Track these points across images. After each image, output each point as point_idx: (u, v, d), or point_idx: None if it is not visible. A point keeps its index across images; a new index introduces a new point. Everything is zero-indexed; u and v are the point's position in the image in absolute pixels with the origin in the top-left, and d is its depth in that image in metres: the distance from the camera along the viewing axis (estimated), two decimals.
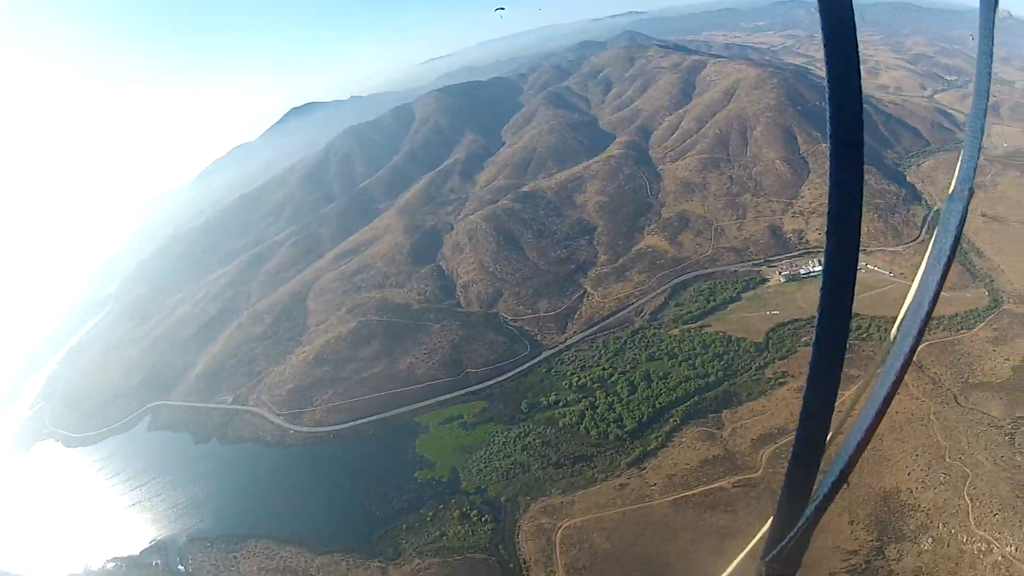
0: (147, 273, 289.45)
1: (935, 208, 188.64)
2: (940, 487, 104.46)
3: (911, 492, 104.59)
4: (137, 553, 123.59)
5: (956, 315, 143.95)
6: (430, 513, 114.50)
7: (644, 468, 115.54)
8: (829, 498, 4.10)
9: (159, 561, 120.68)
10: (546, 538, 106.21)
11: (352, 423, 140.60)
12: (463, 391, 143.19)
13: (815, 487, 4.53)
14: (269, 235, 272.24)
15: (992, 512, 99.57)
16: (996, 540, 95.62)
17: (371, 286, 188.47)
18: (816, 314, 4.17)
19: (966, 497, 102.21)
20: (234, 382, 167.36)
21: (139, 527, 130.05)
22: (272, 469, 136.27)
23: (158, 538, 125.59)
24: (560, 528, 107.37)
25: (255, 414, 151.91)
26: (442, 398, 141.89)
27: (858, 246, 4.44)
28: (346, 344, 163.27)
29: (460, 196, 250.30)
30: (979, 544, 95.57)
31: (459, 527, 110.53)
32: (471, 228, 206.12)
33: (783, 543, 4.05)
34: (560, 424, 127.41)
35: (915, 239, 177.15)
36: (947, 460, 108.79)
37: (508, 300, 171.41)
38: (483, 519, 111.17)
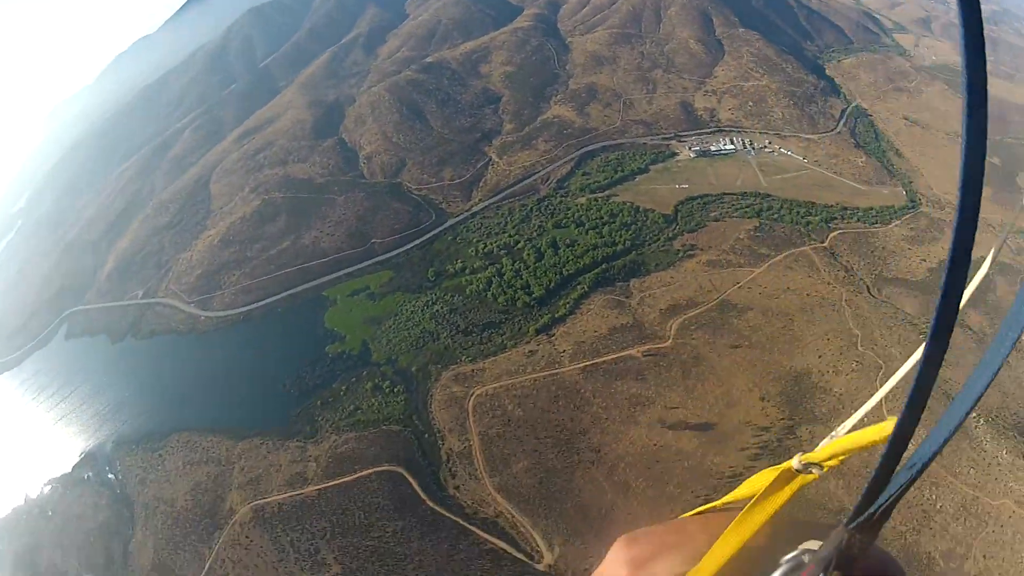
0: (54, 182, 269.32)
1: (854, 103, 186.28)
2: (852, 374, 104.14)
3: (823, 375, 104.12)
4: (69, 470, 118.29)
5: (872, 209, 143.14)
6: (343, 387, 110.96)
7: (553, 335, 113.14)
8: (921, 469, 3.57)
9: (90, 474, 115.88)
10: (459, 406, 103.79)
11: (261, 303, 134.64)
12: (370, 262, 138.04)
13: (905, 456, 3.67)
14: (172, 123, 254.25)
15: None
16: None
17: (274, 163, 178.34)
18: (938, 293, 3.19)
19: (878, 387, 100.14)
20: (144, 275, 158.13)
21: (67, 442, 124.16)
22: (187, 359, 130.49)
23: (86, 449, 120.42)
24: (472, 396, 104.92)
25: (166, 305, 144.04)
26: (349, 270, 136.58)
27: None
28: (251, 224, 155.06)
29: (363, 69, 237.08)
30: None
31: (372, 399, 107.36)
32: (373, 100, 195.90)
33: (871, 510, 3.56)
34: (467, 292, 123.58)
35: (831, 130, 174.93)
36: (859, 348, 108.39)
37: (412, 170, 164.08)
38: (395, 390, 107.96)
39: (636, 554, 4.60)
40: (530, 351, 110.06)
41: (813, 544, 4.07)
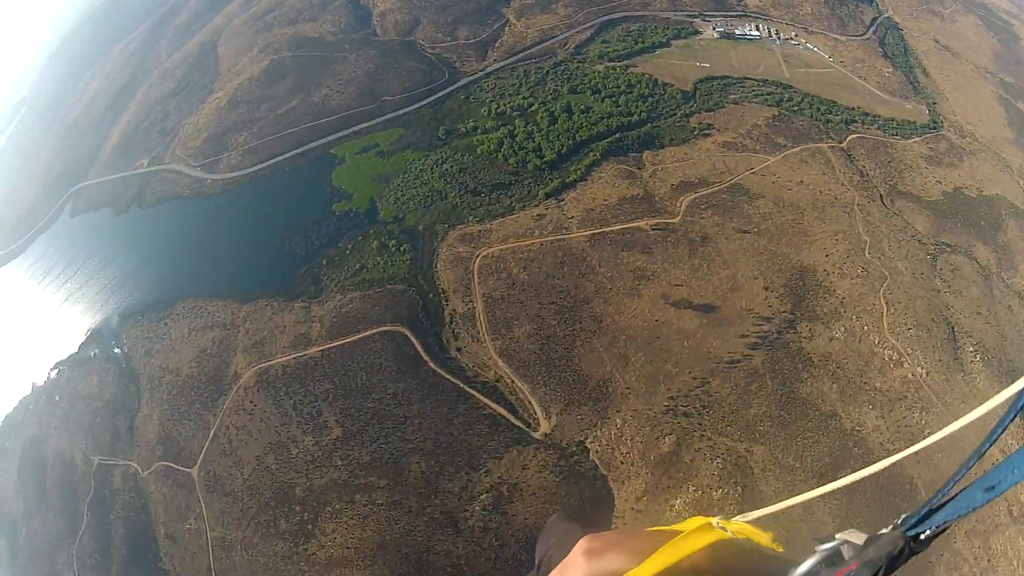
0: (56, 66, 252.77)
1: (885, 14, 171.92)
2: (857, 279, 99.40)
3: (828, 275, 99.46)
4: (76, 349, 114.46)
5: (893, 120, 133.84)
6: (349, 246, 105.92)
7: (562, 200, 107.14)
8: (999, 492, 3.63)
9: (96, 351, 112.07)
10: (464, 267, 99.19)
11: (268, 162, 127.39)
12: (380, 119, 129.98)
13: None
14: None
15: (907, 326, 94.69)
16: (908, 355, 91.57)
17: (283, 23, 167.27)
18: None
19: (882, 299, 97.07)
20: (149, 144, 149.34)
21: (74, 321, 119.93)
22: (193, 225, 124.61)
23: (92, 326, 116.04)
24: (478, 257, 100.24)
25: (171, 171, 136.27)
26: (358, 128, 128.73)
27: None
28: (259, 84, 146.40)
29: None
30: (891, 352, 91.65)
31: (378, 258, 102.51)
32: None
33: (936, 523, 3.60)
34: (478, 151, 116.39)
35: (860, 35, 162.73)
36: (867, 255, 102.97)
37: (426, 28, 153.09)
38: (401, 249, 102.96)
39: (592, 547, 5.00)
40: (538, 215, 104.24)
41: (854, 536, 3.92)
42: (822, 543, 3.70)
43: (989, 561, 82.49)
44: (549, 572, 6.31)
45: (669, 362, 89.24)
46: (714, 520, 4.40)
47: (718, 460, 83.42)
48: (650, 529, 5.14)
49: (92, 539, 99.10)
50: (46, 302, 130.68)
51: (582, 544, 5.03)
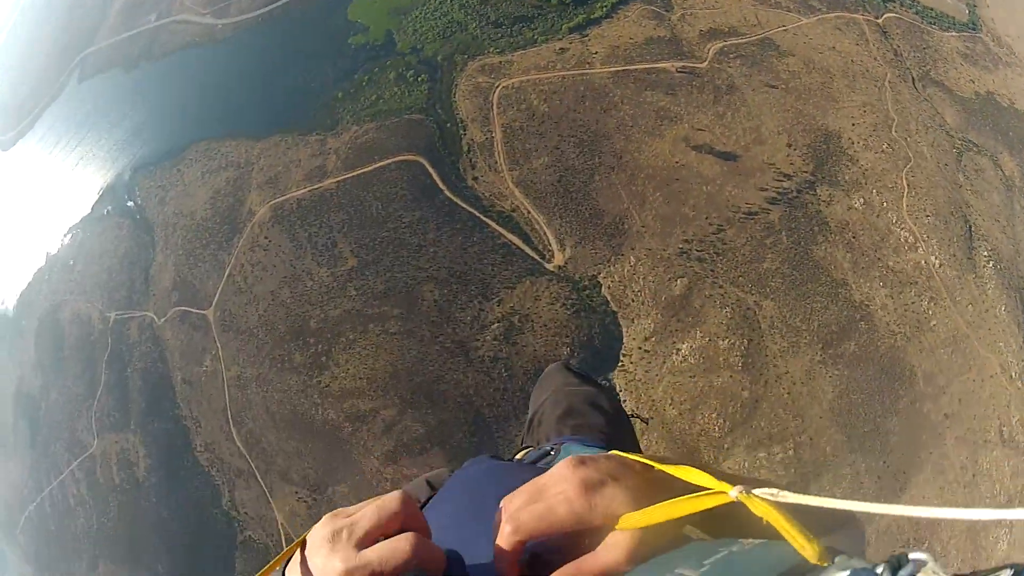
0: None
1: None
2: (881, 154, 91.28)
3: (852, 144, 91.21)
4: (89, 210, 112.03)
5: (931, 9, 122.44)
6: (365, 78, 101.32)
7: (587, 35, 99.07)
8: None
9: (109, 208, 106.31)
10: (483, 97, 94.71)
11: (281, 1, 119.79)
12: None
13: None
14: None
15: (925, 212, 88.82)
16: (923, 241, 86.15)
17: None
18: None
19: (904, 179, 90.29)
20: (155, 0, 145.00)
21: (86, 183, 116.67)
22: (204, 72, 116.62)
23: (104, 184, 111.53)
24: (497, 87, 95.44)
25: (180, 21, 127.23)
26: None
27: None
28: None
29: None
30: (907, 234, 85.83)
31: (395, 89, 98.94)
32: None
33: None
34: None
35: None
36: (893, 133, 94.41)
37: None
38: (419, 79, 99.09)
39: (586, 476, 3.57)
40: (561, 48, 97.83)
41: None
42: (850, 564, 2.21)
43: (974, 476, 78.57)
44: (540, 429, 6.42)
45: (686, 205, 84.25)
46: (733, 491, 3.00)
47: (727, 309, 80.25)
48: (642, 460, 3.65)
49: (110, 396, 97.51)
50: (57, 171, 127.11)
51: (568, 467, 3.45)
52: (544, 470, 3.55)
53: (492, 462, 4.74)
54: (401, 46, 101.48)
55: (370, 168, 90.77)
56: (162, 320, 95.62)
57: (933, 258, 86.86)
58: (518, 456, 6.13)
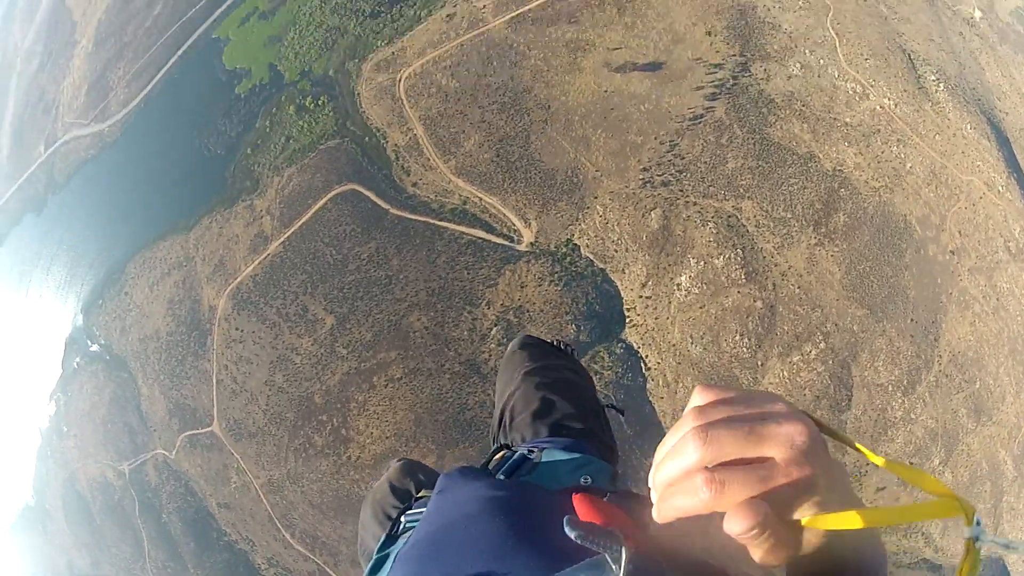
0: None
1: None
2: (800, 11, 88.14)
3: (769, 11, 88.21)
4: (60, 370, 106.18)
5: None
6: (267, 123, 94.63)
7: None
8: None
9: (78, 360, 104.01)
10: (390, 96, 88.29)
11: (156, 78, 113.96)
12: None
13: None
14: None
15: (863, 56, 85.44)
16: (872, 87, 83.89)
17: None
18: None
19: (831, 30, 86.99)
20: (38, 128, 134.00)
21: (45, 344, 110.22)
22: (110, 179, 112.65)
23: (65, 336, 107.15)
24: (401, 81, 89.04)
25: (68, 141, 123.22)
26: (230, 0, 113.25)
27: None
28: (116, 10, 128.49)
29: None
30: (853, 84, 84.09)
31: (300, 122, 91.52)
32: None
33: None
34: None
35: None
36: None
37: None
38: (320, 102, 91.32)
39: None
40: (447, 15, 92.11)
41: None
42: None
43: (998, 300, 79.74)
44: (513, 426, 5.95)
45: (631, 132, 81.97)
46: (970, 531, 2.26)
47: (709, 224, 77.51)
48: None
49: (158, 549, 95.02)
50: (13, 343, 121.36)
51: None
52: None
53: (489, 488, 4.02)
54: (289, 76, 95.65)
55: (308, 216, 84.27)
56: (174, 452, 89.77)
57: (886, 100, 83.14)
58: (496, 458, 5.26)
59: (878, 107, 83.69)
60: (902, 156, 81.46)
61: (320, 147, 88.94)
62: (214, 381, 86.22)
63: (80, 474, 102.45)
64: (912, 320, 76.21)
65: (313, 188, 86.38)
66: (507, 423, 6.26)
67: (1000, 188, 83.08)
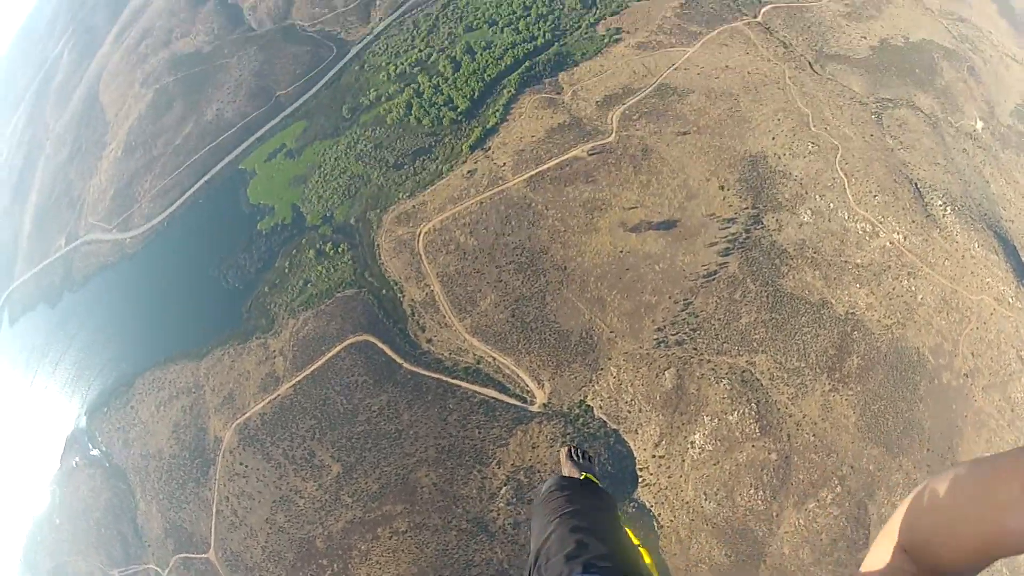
0: None
1: None
2: (810, 156, 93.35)
3: (779, 159, 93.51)
4: (58, 464, 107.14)
5: None
6: (286, 263, 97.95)
7: (489, 149, 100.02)
8: None
9: (77, 459, 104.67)
10: (409, 250, 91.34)
11: (180, 200, 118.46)
12: (279, 117, 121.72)
13: None
14: (48, 53, 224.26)
15: (871, 193, 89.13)
16: (880, 224, 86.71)
17: (158, 47, 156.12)
18: None
19: (839, 171, 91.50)
20: (61, 221, 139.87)
21: (47, 435, 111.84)
22: (126, 291, 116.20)
23: (67, 433, 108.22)
24: (420, 235, 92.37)
25: (90, 242, 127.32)
26: (259, 133, 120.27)
27: None
28: (148, 120, 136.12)
29: None
30: (863, 224, 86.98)
31: (319, 267, 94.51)
32: None
33: None
34: (388, 121, 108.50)
35: None
36: (812, 128, 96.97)
37: (301, 6, 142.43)
38: (340, 250, 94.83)
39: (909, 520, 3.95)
40: (468, 171, 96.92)
41: None
42: None
43: (1013, 411, 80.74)
44: (548, 567, 6.28)
45: (646, 292, 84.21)
46: None
47: (724, 381, 78.73)
48: None
49: None
50: (16, 427, 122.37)
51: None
52: None
53: None
54: (311, 219, 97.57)
55: (321, 362, 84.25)
56: (166, 571, 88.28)
57: (895, 234, 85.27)
58: None
59: (888, 243, 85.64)
60: (913, 289, 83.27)
61: (337, 294, 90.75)
62: (214, 510, 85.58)
63: (69, 568, 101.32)
64: (928, 450, 76.52)
65: (328, 335, 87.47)
66: (543, 563, 6.85)
67: (1010, 299, 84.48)
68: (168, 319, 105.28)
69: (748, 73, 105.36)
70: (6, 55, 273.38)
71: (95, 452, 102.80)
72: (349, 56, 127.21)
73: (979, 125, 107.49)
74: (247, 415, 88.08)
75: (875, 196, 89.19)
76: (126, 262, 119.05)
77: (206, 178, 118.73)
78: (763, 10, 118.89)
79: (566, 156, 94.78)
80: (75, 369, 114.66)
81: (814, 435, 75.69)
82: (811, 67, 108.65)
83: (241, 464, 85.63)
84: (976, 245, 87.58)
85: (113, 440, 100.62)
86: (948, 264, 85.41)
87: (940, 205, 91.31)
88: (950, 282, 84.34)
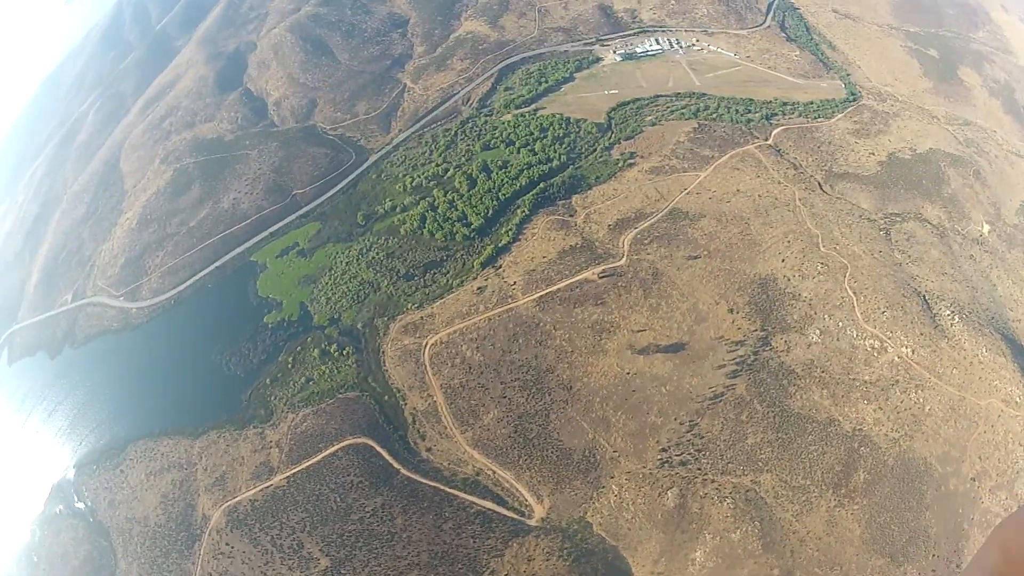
0: None
1: None
2: (819, 277, 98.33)
3: (788, 280, 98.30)
4: (42, 507, 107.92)
5: (812, 103, 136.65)
6: (290, 359, 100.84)
7: (500, 267, 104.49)
8: None
9: (61, 507, 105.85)
10: (414, 360, 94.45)
11: (190, 281, 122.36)
12: (294, 216, 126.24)
13: None
14: (74, 110, 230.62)
15: (880, 310, 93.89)
16: (889, 339, 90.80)
17: (181, 127, 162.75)
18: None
19: (848, 290, 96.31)
20: (70, 277, 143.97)
21: (34, 476, 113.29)
22: (127, 359, 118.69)
23: (53, 482, 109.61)
24: (426, 346, 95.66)
25: (96, 304, 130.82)
26: (274, 228, 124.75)
27: None
28: (166, 197, 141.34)
29: (260, 13, 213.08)
30: (871, 341, 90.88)
31: (322, 367, 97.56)
32: (275, 42, 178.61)
33: None
34: (401, 232, 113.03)
35: (759, 25, 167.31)
36: (822, 249, 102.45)
37: (324, 109, 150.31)
38: (344, 353, 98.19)
39: (1006, 538, 4.51)
40: (478, 288, 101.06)
41: None
42: None
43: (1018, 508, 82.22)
44: None
45: (651, 413, 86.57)
46: None
47: (727, 501, 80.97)
48: None
49: None
50: (3, 463, 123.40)
51: (996, 534, 4.45)
52: None
53: None
54: (318, 319, 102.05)
55: (317, 459, 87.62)
56: None
57: (904, 348, 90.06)
58: None
59: (896, 357, 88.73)
60: (921, 401, 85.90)
61: (339, 395, 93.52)
62: None
63: None
64: (934, 555, 78.12)
65: (326, 434, 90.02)
66: None
67: (1018, 400, 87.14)
68: (166, 393, 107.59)
69: (759, 196, 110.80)
70: (31, 102, 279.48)
71: (80, 505, 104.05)
72: (367, 164, 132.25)
73: (985, 229, 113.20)
74: (238, 499, 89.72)
75: (884, 312, 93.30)
76: (130, 331, 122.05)
77: (217, 264, 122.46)
78: (774, 132, 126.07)
79: (576, 278, 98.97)
80: (69, 421, 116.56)
81: (818, 550, 77.56)
82: (821, 187, 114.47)
83: (227, 544, 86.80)
84: (984, 350, 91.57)
85: (100, 498, 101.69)
86: (956, 372, 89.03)
87: (948, 315, 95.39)
88: (958, 390, 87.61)
